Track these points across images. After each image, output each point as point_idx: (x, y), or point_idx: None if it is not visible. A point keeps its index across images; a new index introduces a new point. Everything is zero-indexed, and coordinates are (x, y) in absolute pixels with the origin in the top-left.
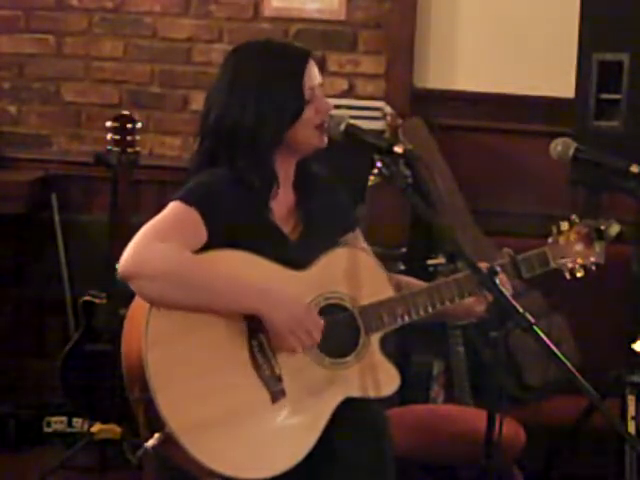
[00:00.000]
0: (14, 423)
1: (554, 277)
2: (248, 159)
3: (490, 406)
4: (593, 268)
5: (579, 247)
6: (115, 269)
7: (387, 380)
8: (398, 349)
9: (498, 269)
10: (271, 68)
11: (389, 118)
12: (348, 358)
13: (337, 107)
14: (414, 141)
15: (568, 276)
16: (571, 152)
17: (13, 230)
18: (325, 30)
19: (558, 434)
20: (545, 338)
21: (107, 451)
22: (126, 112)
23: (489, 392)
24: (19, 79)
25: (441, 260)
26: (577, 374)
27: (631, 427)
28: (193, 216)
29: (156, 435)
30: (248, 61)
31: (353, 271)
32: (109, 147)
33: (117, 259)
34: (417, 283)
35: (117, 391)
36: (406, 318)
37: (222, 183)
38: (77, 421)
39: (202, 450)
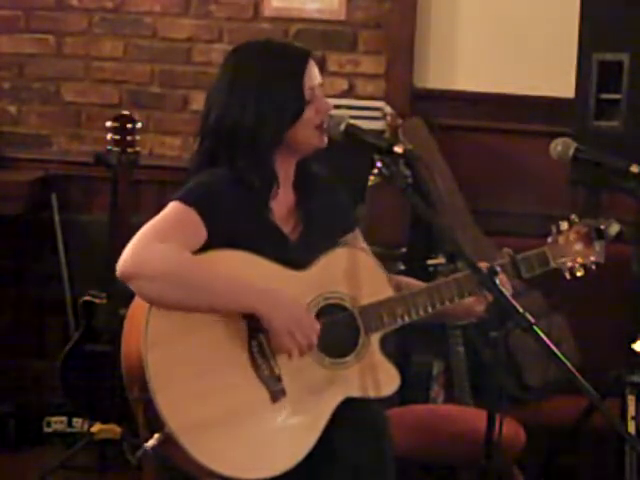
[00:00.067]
0: (14, 423)
1: (554, 277)
2: (248, 159)
3: (490, 406)
4: (593, 267)
5: (579, 246)
6: (115, 269)
7: (387, 380)
8: (398, 349)
9: (498, 269)
10: (271, 68)
11: (389, 118)
12: (348, 358)
13: (337, 107)
14: (414, 141)
15: (568, 276)
16: (571, 152)
17: (13, 230)
18: (325, 30)
19: (558, 434)
20: (545, 338)
21: (107, 451)
22: (126, 112)
23: (489, 392)
24: (19, 79)
25: (441, 260)
26: (577, 374)
27: (631, 427)
28: (192, 216)
29: (156, 435)
30: (248, 61)
31: (353, 271)
32: (109, 147)
33: (117, 259)
34: (416, 284)
35: (117, 391)
36: (406, 318)
37: (222, 183)
38: (77, 421)
39: (202, 450)
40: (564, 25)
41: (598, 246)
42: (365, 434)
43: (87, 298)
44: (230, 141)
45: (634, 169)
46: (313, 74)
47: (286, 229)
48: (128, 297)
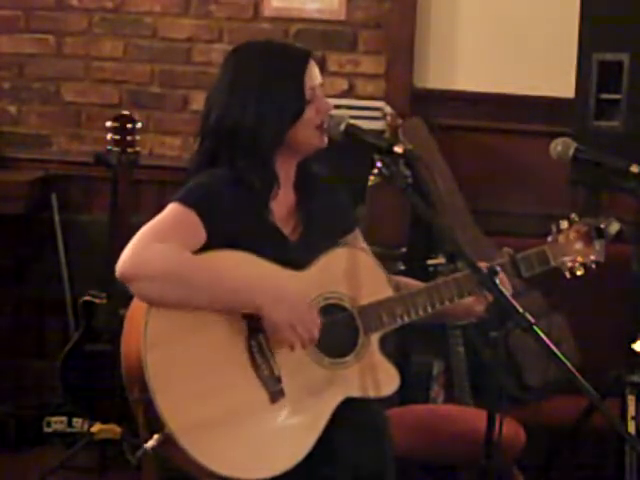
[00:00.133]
0: (14, 423)
1: (554, 276)
2: (248, 159)
3: (490, 406)
4: (593, 266)
5: (579, 245)
6: (115, 269)
7: (387, 380)
8: (398, 349)
9: (498, 269)
10: (272, 68)
11: (389, 118)
12: (347, 358)
13: (337, 107)
14: (414, 141)
15: (568, 275)
16: (571, 152)
17: (13, 230)
18: (325, 30)
19: (558, 434)
20: (545, 338)
21: (107, 451)
22: (126, 112)
23: (489, 392)
24: (19, 79)
25: (441, 260)
26: (577, 374)
27: (631, 427)
28: (192, 217)
29: (155, 436)
30: (249, 61)
31: (353, 271)
32: (109, 147)
33: (117, 259)
34: (416, 284)
35: (117, 391)
36: (405, 318)
37: (222, 184)
38: (77, 421)
39: (202, 451)
40: (564, 25)
41: (598, 245)
42: (365, 434)
43: (87, 298)
44: (230, 141)
45: (634, 169)
46: (314, 74)
47: (286, 230)
48: (128, 297)
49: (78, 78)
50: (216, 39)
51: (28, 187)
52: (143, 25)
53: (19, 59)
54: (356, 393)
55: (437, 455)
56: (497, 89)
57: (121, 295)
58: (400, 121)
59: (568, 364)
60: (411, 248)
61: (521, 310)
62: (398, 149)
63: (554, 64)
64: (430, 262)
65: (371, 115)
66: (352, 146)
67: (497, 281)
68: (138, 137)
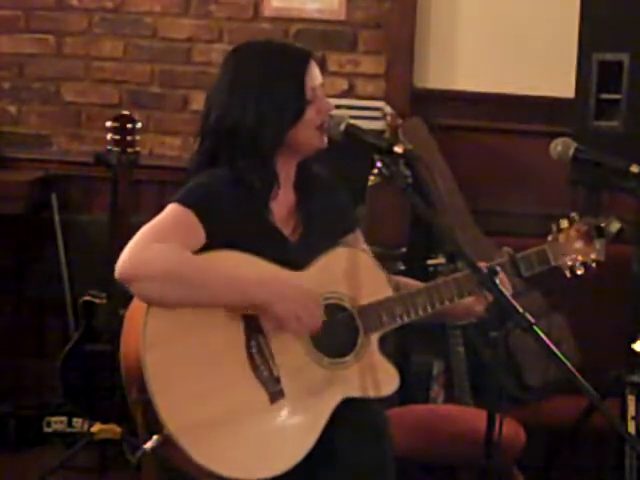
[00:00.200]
0: (14, 423)
1: (554, 276)
2: (248, 159)
3: (490, 406)
4: (593, 265)
5: (579, 244)
6: (115, 270)
7: (387, 380)
8: (398, 349)
9: (498, 269)
10: (272, 68)
11: (389, 118)
12: (347, 358)
13: (337, 107)
14: (414, 141)
15: (568, 274)
16: (571, 152)
17: (13, 230)
18: (325, 30)
19: (558, 434)
20: (545, 338)
21: (107, 451)
22: (126, 112)
23: (489, 392)
24: (19, 79)
25: (441, 260)
26: (577, 374)
27: (631, 427)
28: (191, 218)
29: (155, 437)
30: (249, 61)
31: (352, 271)
32: (109, 147)
33: (117, 259)
34: (416, 284)
35: (117, 391)
36: (405, 318)
37: (221, 184)
38: (77, 421)
39: (201, 451)
40: (564, 25)
41: (598, 244)
42: (365, 434)
43: (87, 298)
44: (230, 141)
45: (634, 169)
46: (314, 74)
47: (286, 230)
48: (128, 297)
49: (78, 78)
50: (216, 39)
51: (28, 187)
52: (143, 25)
53: (19, 59)
54: (356, 393)
55: (437, 455)
56: (497, 89)
57: (121, 295)
58: (400, 121)
59: (568, 364)
60: (411, 248)
61: (521, 310)
62: (398, 149)
63: (554, 64)
64: (430, 262)
65: (371, 115)
66: (352, 146)
67: (497, 281)
68: (138, 137)
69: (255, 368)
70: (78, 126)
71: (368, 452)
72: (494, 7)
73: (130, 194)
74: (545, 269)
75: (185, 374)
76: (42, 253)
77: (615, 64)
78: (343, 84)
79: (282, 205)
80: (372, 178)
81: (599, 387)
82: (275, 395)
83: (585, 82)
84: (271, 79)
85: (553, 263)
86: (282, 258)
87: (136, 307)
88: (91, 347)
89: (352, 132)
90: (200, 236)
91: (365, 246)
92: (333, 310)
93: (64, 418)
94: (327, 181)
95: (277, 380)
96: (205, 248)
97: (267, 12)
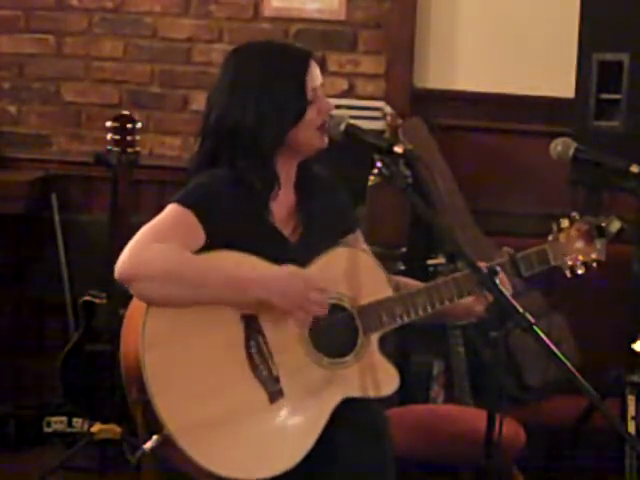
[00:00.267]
0: (14, 423)
1: (554, 276)
2: (249, 159)
3: (490, 406)
4: (594, 265)
5: (580, 244)
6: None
7: (387, 380)
8: (398, 349)
9: (498, 269)
10: (273, 68)
11: (389, 118)
12: (347, 358)
13: (337, 107)
14: (414, 141)
15: (569, 274)
16: (571, 152)
17: (13, 230)
18: (325, 30)
19: (558, 434)
20: (545, 338)
21: (107, 451)
22: (126, 112)
23: (489, 392)
24: (19, 79)
25: (441, 260)
26: (577, 374)
27: (631, 427)
28: (190, 218)
29: (154, 437)
30: (249, 61)
31: (352, 271)
32: (109, 147)
33: (117, 259)
34: (416, 284)
35: (117, 391)
36: (405, 318)
37: (221, 184)
38: (77, 421)
39: (201, 451)
40: (564, 25)
41: (599, 244)
42: (365, 434)
43: (87, 298)
44: (231, 141)
45: (634, 169)
46: (315, 75)
47: (286, 230)
48: (128, 297)
49: (78, 78)
50: (216, 39)
51: (28, 187)
52: (143, 25)
53: (19, 59)
54: (356, 393)
55: (437, 455)
56: (497, 89)
57: (121, 295)
58: (400, 121)
59: (568, 364)
60: (411, 248)
61: (521, 310)
62: (398, 149)
63: (554, 64)
64: (430, 262)
65: (371, 115)
66: (352, 146)
67: (497, 281)
68: (138, 137)
69: (254, 368)
70: (78, 126)
71: (368, 452)
72: (494, 7)
73: (130, 194)
74: (545, 269)
75: (184, 374)
76: (42, 253)
77: (615, 64)
78: (343, 84)
79: (282, 205)
80: (372, 178)
81: (599, 387)
82: (274, 395)
83: (585, 82)
84: (271, 79)
85: (553, 263)
86: (282, 258)
87: (136, 307)
88: (91, 347)
89: (352, 132)
90: (200, 236)
91: (365, 246)
92: (333, 310)
93: (64, 418)
94: (327, 181)
95: (276, 380)
96: (205, 248)
97: (267, 12)
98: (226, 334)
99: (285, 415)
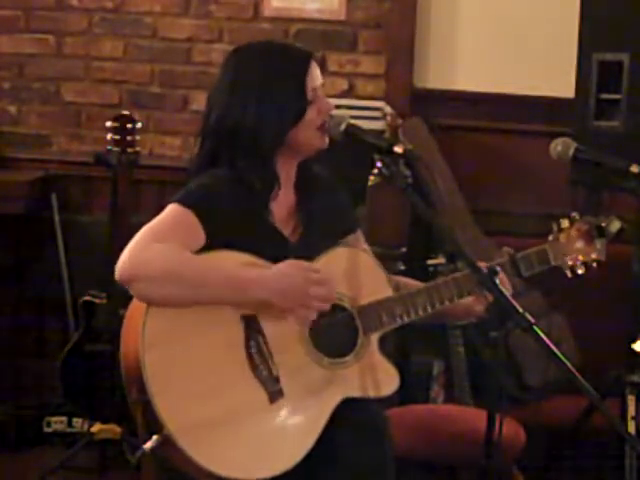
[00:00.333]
0: (14, 423)
1: (554, 276)
2: (249, 159)
3: (490, 406)
4: (594, 265)
5: (580, 244)
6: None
7: (387, 380)
8: (398, 349)
9: (498, 269)
10: (273, 69)
11: (389, 118)
12: (347, 358)
13: (337, 107)
14: (414, 141)
15: (569, 274)
16: (571, 152)
17: (13, 230)
18: (325, 30)
19: (558, 434)
20: (545, 338)
21: (107, 451)
22: (126, 112)
23: (489, 392)
24: (19, 79)
25: (441, 260)
26: (577, 374)
27: (631, 427)
28: (191, 218)
29: (154, 437)
30: (250, 61)
31: (353, 271)
32: (109, 147)
33: (117, 259)
34: (416, 284)
35: (117, 391)
36: (405, 318)
37: (222, 184)
38: (77, 421)
39: (201, 451)
40: (564, 25)
41: (599, 244)
42: (365, 434)
43: (87, 298)
44: (231, 141)
45: (634, 169)
46: (315, 75)
47: (286, 231)
48: (128, 297)
49: (78, 78)
50: (216, 39)
51: (28, 187)
52: (143, 25)
53: (19, 59)
54: (356, 393)
55: (437, 455)
56: (497, 89)
57: (121, 295)
58: (400, 121)
59: (568, 364)
60: (411, 248)
61: (521, 310)
62: (398, 149)
63: (554, 64)
64: (430, 262)
65: (371, 115)
66: (352, 146)
67: (497, 281)
68: (138, 137)
69: (254, 368)
70: (78, 126)
71: (368, 452)
72: (494, 7)
73: (130, 194)
74: (545, 269)
75: (184, 374)
76: (42, 253)
77: (615, 64)
78: (343, 84)
79: (282, 205)
80: (372, 178)
81: (599, 387)
82: (274, 395)
83: (585, 82)
84: (272, 79)
85: (553, 263)
86: (282, 258)
87: (136, 307)
88: (91, 347)
89: (352, 132)
90: (200, 236)
91: (366, 246)
92: (333, 310)
93: (64, 418)
94: (327, 181)
95: (276, 380)
96: (205, 248)
97: (267, 12)
98: (226, 334)
99: (285, 415)
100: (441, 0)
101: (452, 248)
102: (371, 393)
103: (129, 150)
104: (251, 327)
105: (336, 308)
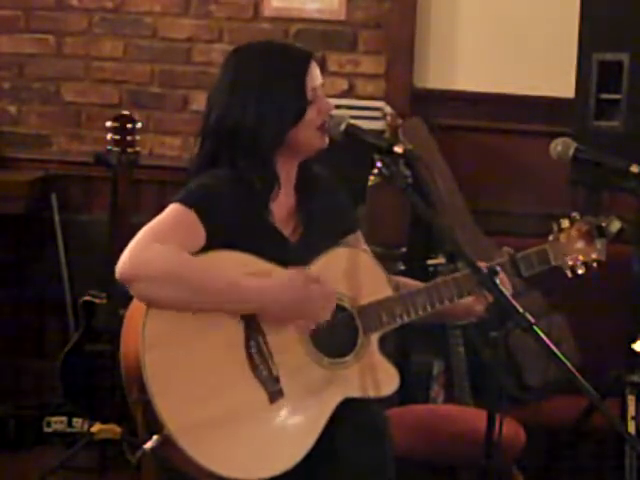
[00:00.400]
0: (14, 423)
1: (554, 276)
2: (249, 159)
3: (490, 406)
4: (594, 265)
5: (580, 244)
6: (115, 269)
7: (387, 380)
8: (398, 349)
9: (498, 269)
10: (273, 68)
11: (389, 118)
12: (347, 358)
13: (337, 107)
14: (414, 141)
15: (569, 274)
16: (571, 152)
17: (13, 230)
18: (325, 30)
19: (558, 434)
20: (545, 338)
21: (107, 451)
22: (126, 112)
23: (489, 392)
24: (19, 79)
25: (441, 260)
26: (577, 374)
27: (631, 427)
28: (191, 218)
29: (154, 437)
30: (250, 61)
31: (353, 271)
32: (109, 147)
33: (117, 259)
34: (416, 284)
35: (117, 391)
36: (405, 318)
37: (222, 184)
38: (77, 421)
39: (201, 452)
40: (564, 25)
41: (599, 244)
42: (365, 434)
43: (87, 298)
44: (231, 141)
45: (634, 169)
46: (315, 75)
47: (286, 231)
48: (128, 297)
49: (78, 78)
50: (216, 39)
51: (28, 187)
52: (143, 25)
53: (19, 59)
54: (356, 393)
55: (437, 455)
56: (497, 89)
57: (121, 295)
58: (400, 121)
59: (568, 364)
60: (411, 248)
61: (521, 310)
62: (398, 149)
63: (554, 64)
64: (430, 262)
65: (371, 115)
66: (352, 146)
67: (497, 281)
68: (138, 137)
69: (254, 368)
70: (78, 126)
71: (368, 452)
72: (494, 7)
73: (130, 194)
74: (545, 269)
75: (184, 374)
76: (42, 253)
77: (615, 64)
78: (343, 84)
79: (282, 205)
80: (372, 178)
81: (599, 387)
82: (274, 395)
83: (585, 82)
84: (272, 79)
85: (553, 263)
86: (282, 258)
87: (136, 307)
88: (91, 347)
89: (352, 132)
90: (200, 236)
91: (366, 247)
92: (333, 310)
93: (64, 418)
94: (327, 181)
95: (276, 380)
96: (205, 248)
97: (267, 12)
98: (226, 334)
99: (285, 415)
100: (441, 0)
101: (452, 248)
102: (371, 393)
103: (129, 150)
104: (251, 327)
105: (336, 308)
